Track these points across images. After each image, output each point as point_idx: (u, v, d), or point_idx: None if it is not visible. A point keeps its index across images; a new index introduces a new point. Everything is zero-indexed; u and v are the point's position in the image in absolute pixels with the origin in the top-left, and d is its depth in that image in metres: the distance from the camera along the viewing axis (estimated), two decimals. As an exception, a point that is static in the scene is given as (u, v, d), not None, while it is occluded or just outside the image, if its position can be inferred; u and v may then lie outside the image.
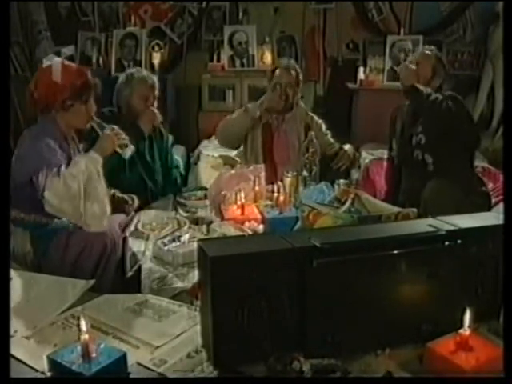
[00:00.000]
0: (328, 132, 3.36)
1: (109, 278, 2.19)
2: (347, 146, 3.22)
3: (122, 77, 3.07)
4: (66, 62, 2.32)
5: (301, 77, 3.27)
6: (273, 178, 2.82)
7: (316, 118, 3.38)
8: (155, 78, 3.04)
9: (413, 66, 2.84)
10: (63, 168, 2.14)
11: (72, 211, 2.13)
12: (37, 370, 1.30)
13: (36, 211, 2.19)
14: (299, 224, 2.15)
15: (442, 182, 2.62)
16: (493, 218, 1.55)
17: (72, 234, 2.20)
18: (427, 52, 2.94)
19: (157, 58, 5.19)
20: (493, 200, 3.01)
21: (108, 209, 2.22)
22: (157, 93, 3.02)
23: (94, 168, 2.21)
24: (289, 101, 3.21)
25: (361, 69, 4.97)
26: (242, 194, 2.43)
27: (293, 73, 3.20)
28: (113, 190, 2.57)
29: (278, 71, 3.21)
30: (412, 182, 2.85)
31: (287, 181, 2.57)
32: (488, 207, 2.86)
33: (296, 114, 3.28)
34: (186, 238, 2.15)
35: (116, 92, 3.04)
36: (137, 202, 2.63)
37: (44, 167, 2.11)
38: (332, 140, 3.33)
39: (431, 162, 2.75)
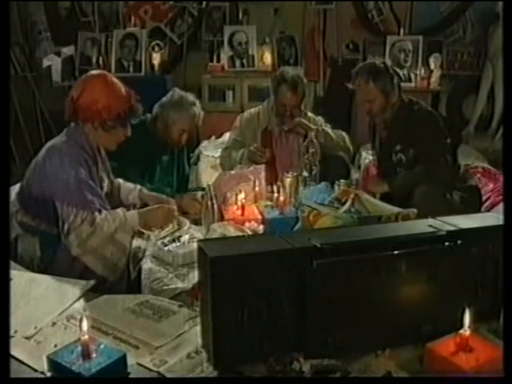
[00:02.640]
0: (328, 126, 3.31)
1: (120, 283, 2.17)
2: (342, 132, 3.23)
3: (176, 95, 2.93)
4: (117, 81, 2.21)
5: (306, 89, 3.16)
6: (273, 181, 2.80)
7: (313, 116, 3.33)
8: (202, 114, 2.93)
9: (367, 106, 2.79)
10: (98, 218, 2.10)
11: (92, 263, 2.12)
12: (37, 370, 1.30)
13: (47, 221, 2.17)
14: (299, 224, 2.15)
15: (428, 186, 2.60)
16: (493, 218, 1.55)
17: None
18: (363, 83, 2.77)
19: (157, 59, 5.20)
20: (493, 200, 3.01)
21: (124, 260, 2.18)
22: (198, 126, 2.95)
23: (126, 226, 2.19)
24: (292, 118, 3.13)
25: (361, 69, 4.96)
26: (242, 195, 2.43)
27: (300, 91, 3.07)
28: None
29: (284, 88, 3.05)
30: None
31: (287, 181, 2.56)
32: (478, 200, 2.85)
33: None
34: (186, 238, 2.15)
35: (162, 105, 2.93)
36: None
37: (73, 203, 2.08)
38: (334, 135, 3.29)
39: (414, 172, 2.74)
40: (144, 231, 2.30)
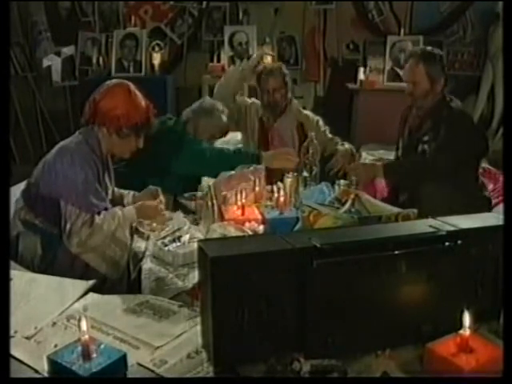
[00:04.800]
0: (326, 127, 3.35)
1: (121, 283, 2.18)
2: (346, 146, 3.22)
3: (207, 102, 3.13)
4: (138, 93, 2.27)
5: (288, 78, 3.31)
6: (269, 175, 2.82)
7: (311, 115, 3.40)
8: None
9: (410, 87, 2.81)
10: (97, 219, 2.13)
11: (94, 261, 2.16)
12: (37, 371, 1.30)
13: (51, 220, 2.17)
14: (299, 224, 2.15)
15: (441, 187, 2.61)
16: (493, 218, 1.55)
17: None
18: (413, 64, 2.81)
19: (157, 59, 5.20)
20: (493, 201, 3.01)
21: (125, 258, 2.22)
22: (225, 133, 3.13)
23: (126, 223, 2.23)
24: (278, 104, 3.29)
25: (361, 69, 4.98)
26: (243, 195, 2.43)
27: (278, 76, 3.25)
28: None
29: (263, 77, 3.27)
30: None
31: (287, 181, 2.56)
32: (488, 212, 2.85)
33: (288, 114, 3.34)
34: (186, 238, 2.15)
35: (193, 111, 3.08)
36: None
37: (77, 203, 2.11)
38: (330, 135, 3.32)
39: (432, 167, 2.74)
40: (144, 231, 2.30)
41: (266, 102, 3.30)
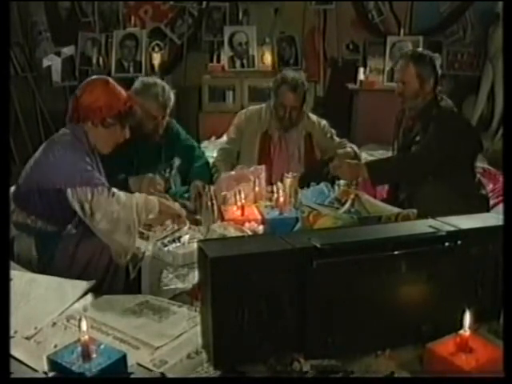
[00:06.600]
0: (332, 131, 3.29)
1: (118, 283, 2.17)
2: (347, 149, 3.19)
3: (138, 83, 2.84)
4: (117, 85, 2.28)
5: (307, 93, 3.14)
6: (269, 184, 2.78)
7: (317, 120, 3.28)
8: (171, 95, 2.82)
9: (400, 87, 2.83)
10: (121, 194, 2.13)
11: (123, 240, 2.12)
12: (37, 370, 1.30)
13: (44, 219, 2.17)
14: (299, 225, 2.15)
15: (438, 186, 2.61)
16: (493, 218, 1.55)
17: (80, 243, 2.18)
18: (403, 64, 2.83)
19: (157, 59, 5.20)
20: (493, 201, 3.01)
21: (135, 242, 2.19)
22: (168, 111, 2.82)
23: (144, 210, 2.20)
24: (292, 120, 3.11)
25: (361, 69, 4.98)
26: (242, 195, 2.43)
27: (301, 93, 3.06)
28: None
29: (284, 89, 3.04)
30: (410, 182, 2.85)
31: (287, 181, 2.56)
32: (486, 210, 2.86)
33: (299, 127, 3.18)
34: (185, 238, 2.15)
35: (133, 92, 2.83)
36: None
37: (85, 182, 2.09)
38: (338, 139, 3.27)
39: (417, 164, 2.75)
40: (144, 231, 2.30)
41: (279, 116, 3.10)
